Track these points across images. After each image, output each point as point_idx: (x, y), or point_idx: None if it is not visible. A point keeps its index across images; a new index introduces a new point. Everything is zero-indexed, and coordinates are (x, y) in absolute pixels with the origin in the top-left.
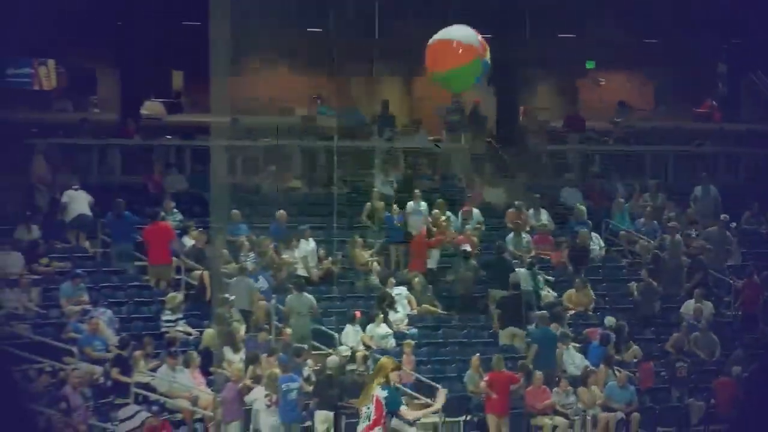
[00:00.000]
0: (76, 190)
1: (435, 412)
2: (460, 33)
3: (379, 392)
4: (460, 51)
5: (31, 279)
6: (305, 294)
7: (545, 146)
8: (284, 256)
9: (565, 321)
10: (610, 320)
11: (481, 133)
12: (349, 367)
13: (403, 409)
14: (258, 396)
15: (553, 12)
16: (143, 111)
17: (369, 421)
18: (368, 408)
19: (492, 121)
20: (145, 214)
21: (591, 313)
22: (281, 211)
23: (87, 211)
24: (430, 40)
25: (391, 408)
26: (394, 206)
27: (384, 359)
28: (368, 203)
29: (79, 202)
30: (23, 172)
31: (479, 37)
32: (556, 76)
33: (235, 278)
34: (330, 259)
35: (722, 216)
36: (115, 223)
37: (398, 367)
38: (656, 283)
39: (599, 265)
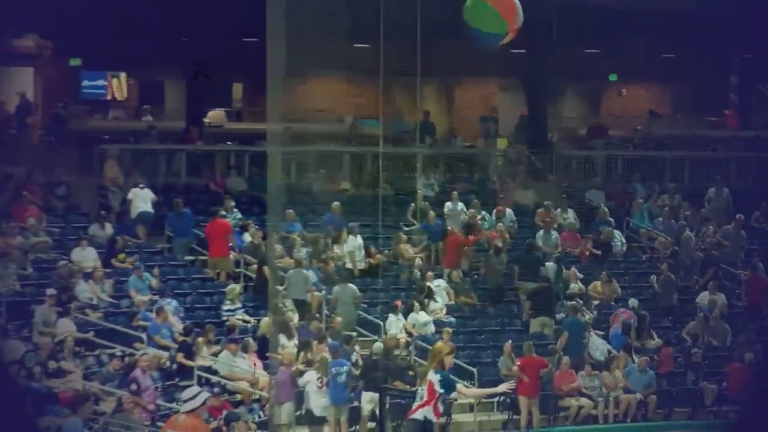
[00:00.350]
0: (141, 188)
1: (492, 395)
2: (520, 8)
3: (432, 376)
4: (510, 9)
5: (104, 272)
6: (350, 285)
7: (572, 152)
8: (335, 250)
9: (581, 310)
10: (633, 302)
11: (525, 141)
12: (393, 352)
13: (460, 387)
14: (310, 379)
15: (579, 29)
16: (207, 119)
17: (420, 401)
18: (422, 389)
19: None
20: (207, 213)
21: (614, 303)
22: (336, 203)
23: (149, 209)
24: None
25: (446, 390)
26: (431, 212)
27: (439, 344)
28: (413, 203)
29: (142, 199)
30: (97, 174)
31: (518, 26)
32: (581, 88)
33: (291, 271)
34: (378, 256)
35: (738, 216)
36: (175, 220)
37: (452, 352)
38: (674, 276)
39: (621, 260)
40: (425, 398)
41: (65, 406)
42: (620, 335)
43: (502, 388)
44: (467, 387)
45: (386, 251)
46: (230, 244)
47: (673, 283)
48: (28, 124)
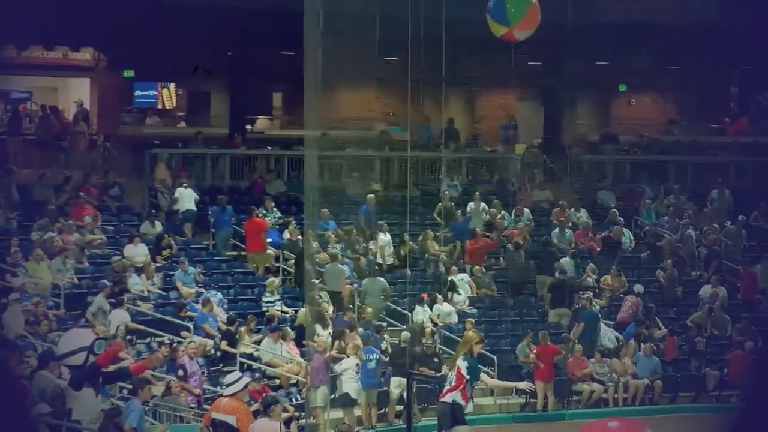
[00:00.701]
0: (185, 187)
1: (510, 388)
2: (534, 28)
3: (461, 362)
4: (531, 20)
5: (154, 266)
6: (379, 278)
7: (585, 156)
8: (370, 247)
9: (593, 301)
10: (639, 287)
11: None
12: (420, 340)
13: (484, 376)
14: (349, 366)
15: (592, 43)
16: (255, 126)
17: (450, 385)
18: (451, 374)
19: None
20: (248, 212)
21: (622, 295)
22: (371, 195)
23: (192, 207)
24: None
25: (472, 377)
26: (458, 212)
27: (470, 333)
28: (439, 203)
29: (187, 198)
30: (148, 177)
31: (516, 38)
32: (593, 98)
33: (327, 265)
34: (412, 245)
35: (739, 216)
36: (219, 214)
37: (481, 341)
38: (677, 271)
39: (629, 256)
40: (454, 383)
41: (136, 375)
42: (633, 326)
43: (522, 386)
44: (491, 376)
45: (415, 244)
46: (269, 240)
47: (677, 277)
48: (85, 130)
